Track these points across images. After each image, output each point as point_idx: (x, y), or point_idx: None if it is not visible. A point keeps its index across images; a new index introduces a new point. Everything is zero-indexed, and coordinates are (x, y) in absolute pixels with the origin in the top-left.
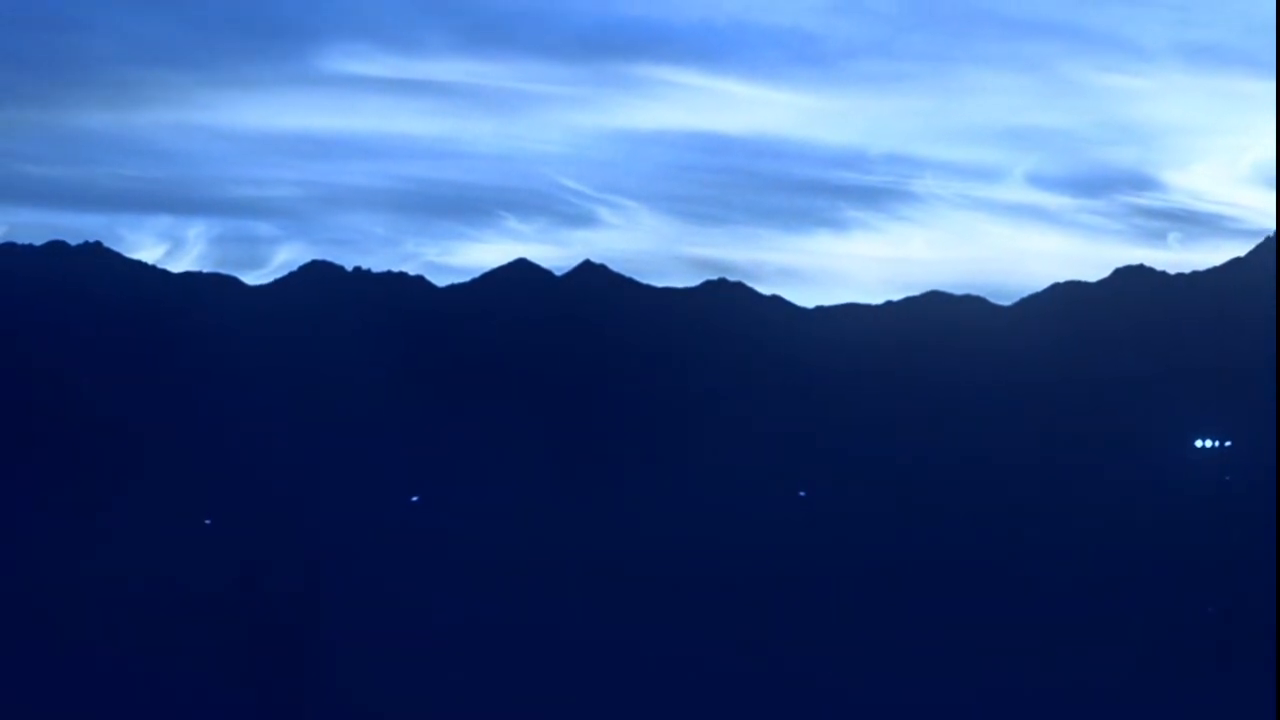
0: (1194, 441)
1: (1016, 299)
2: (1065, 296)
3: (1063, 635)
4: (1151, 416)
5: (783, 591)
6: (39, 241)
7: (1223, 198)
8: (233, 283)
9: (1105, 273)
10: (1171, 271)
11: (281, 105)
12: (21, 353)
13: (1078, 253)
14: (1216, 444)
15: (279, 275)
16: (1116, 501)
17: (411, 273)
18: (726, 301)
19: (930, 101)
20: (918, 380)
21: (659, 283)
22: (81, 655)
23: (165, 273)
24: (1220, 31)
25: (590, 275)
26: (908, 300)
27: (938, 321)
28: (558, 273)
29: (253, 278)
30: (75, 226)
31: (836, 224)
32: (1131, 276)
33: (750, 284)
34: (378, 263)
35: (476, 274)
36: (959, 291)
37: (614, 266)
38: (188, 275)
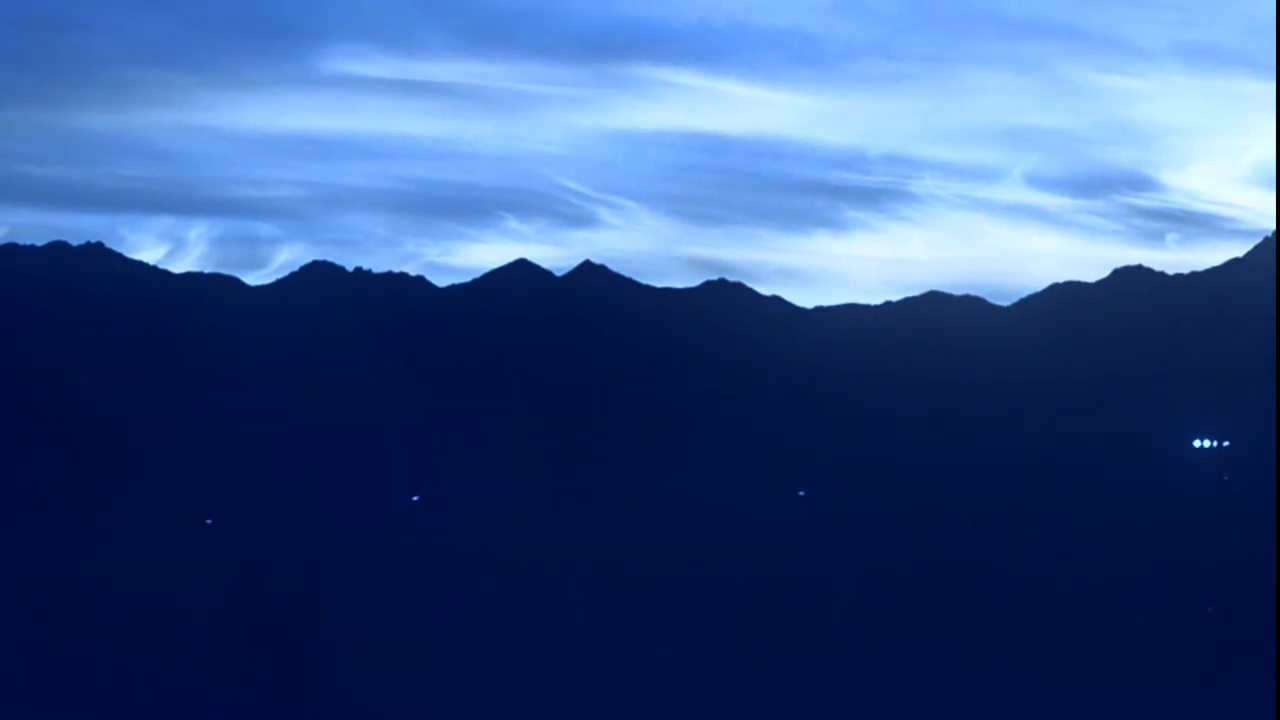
0: (1192, 441)
1: (1015, 299)
2: (1064, 297)
3: (1062, 635)
4: (1150, 416)
5: (782, 591)
6: (40, 242)
7: (1221, 198)
8: (234, 283)
9: (1104, 273)
10: (1170, 272)
11: (282, 106)
12: (23, 353)
13: (1076, 253)
14: (1215, 444)
15: (280, 276)
16: (1115, 501)
17: (412, 273)
18: (726, 302)
19: (929, 102)
20: (917, 380)
21: (659, 283)
22: (82, 655)
23: (167, 273)
24: (1219, 32)
25: (590, 275)
26: (907, 300)
27: (937, 322)
28: (558, 273)
29: (254, 278)
30: (76, 227)
31: (836, 224)
32: (1130, 277)
33: (750, 284)
34: (378, 263)
35: (477, 274)
36: (958, 292)
37: (614, 267)
38: (189, 275)
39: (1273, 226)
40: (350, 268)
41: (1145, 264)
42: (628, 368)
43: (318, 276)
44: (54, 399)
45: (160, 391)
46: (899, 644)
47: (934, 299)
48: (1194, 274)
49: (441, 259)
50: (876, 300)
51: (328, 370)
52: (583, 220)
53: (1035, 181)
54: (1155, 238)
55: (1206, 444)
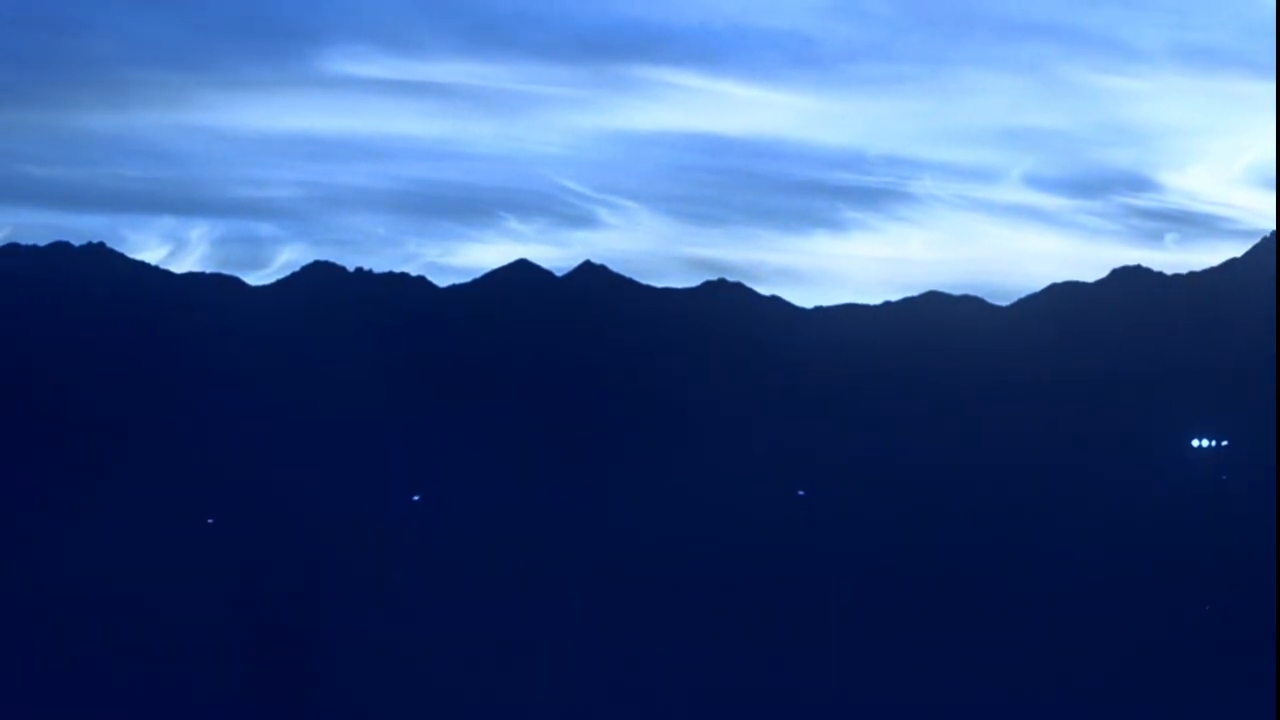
0: (1191, 441)
1: (1014, 299)
2: (1062, 297)
3: (1062, 634)
4: (1148, 416)
5: (782, 590)
6: (42, 242)
7: (1219, 199)
8: (235, 283)
9: (1102, 273)
10: (1168, 272)
11: (283, 107)
12: (25, 353)
13: (1075, 253)
14: (1213, 443)
15: (281, 276)
16: (1114, 500)
17: (413, 273)
18: (726, 302)
19: (928, 103)
20: (916, 380)
21: (658, 283)
22: (82, 655)
23: (168, 273)
24: (1217, 33)
25: (590, 276)
26: (906, 300)
27: (936, 321)
28: (558, 273)
29: (255, 278)
30: (78, 227)
31: (835, 225)
32: (1128, 277)
33: (749, 284)
34: (379, 263)
35: (477, 274)
36: (957, 292)
37: (614, 267)
38: (190, 276)
39: (1270, 227)
40: (351, 268)
41: (1144, 264)
42: (627, 367)
43: (319, 276)
44: (55, 398)
45: (161, 391)
46: (898, 643)
47: (933, 299)
48: (1192, 274)
49: (442, 259)
50: (876, 300)
51: (328, 370)
52: (583, 220)
53: (1034, 182)
54: (1154, 238)
55: (1205, 443)
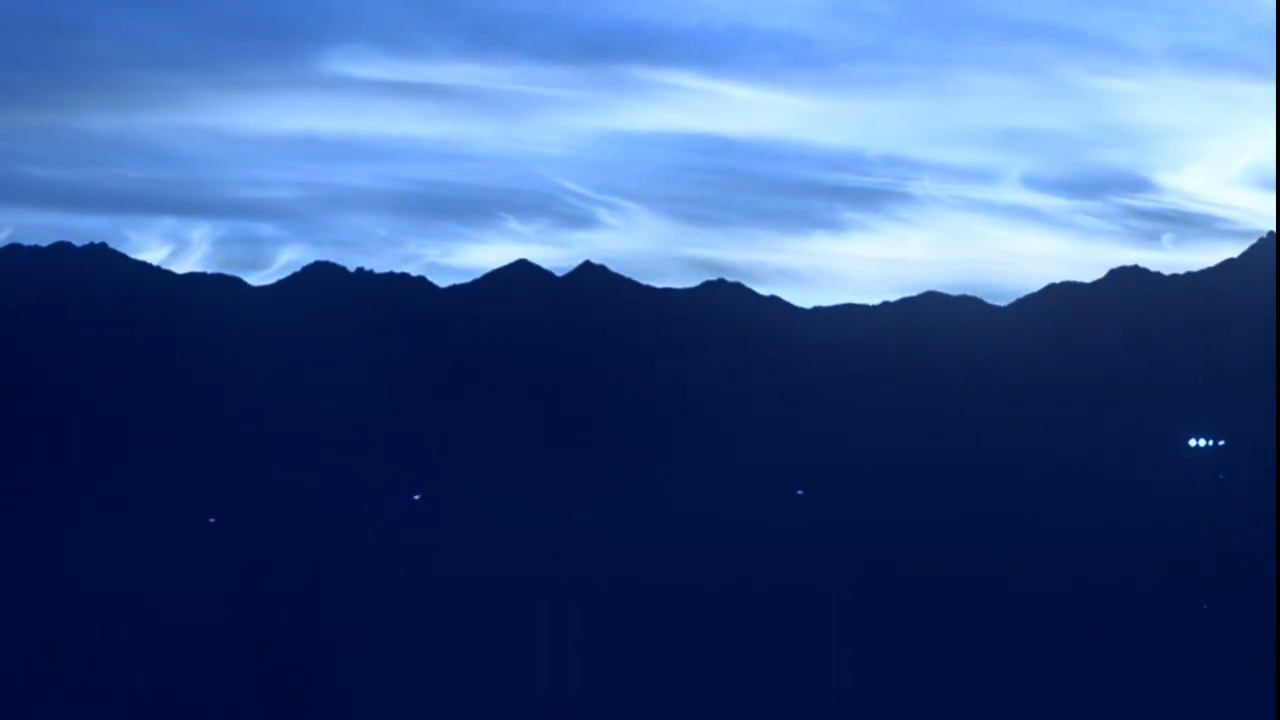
0: (1188, 440)
1: (1012, 299)
2: (1060, 297)
3: (1060, 633)
4: (1146, 415)
5: (782, 590)
6: (44, 243)
7: (1216, 199)
8: (236, 283)
9: (1100, 273)
10: (1166, 272)
11: (284, 107)
12: (27, 353)
13: (1073, 254)
14: (1211, 443)
15: (282, 276)
16: (1111, 500)
17: (413, 273)
18: (725, 302)
19: (926, 104)
20: (915, 379)
21: (658, 283)
22: (83, 655)
23: (170, 274)
24: (1214, 35)
25: (590, 276)
26: (904, 301)
27: (934, 322)
28: (558, 273)
29: (256, 278)
30: (80, 228)
31: (834, 225)
32: (1126, 277)
33: (749, 285)
34: (380, 263)
35: (478, 275)
36: (955, 292)
37: (614, 267)
38: (192, 276)
39: (1267, 227)
40: (352, 268)
41: (1141, 264)
42: (627, 367)
43: (319, 277)
44: (57, 398)
45: (163, 391)
46: (898, 643)
47: (931, 299)
48: (1189, 274)
49: (442, 259)
50: (874, 300)
51: (329, 370)
52: (583, 221)
53: (1032, 183)
54: (1151, 238)
55: (1202, 443)
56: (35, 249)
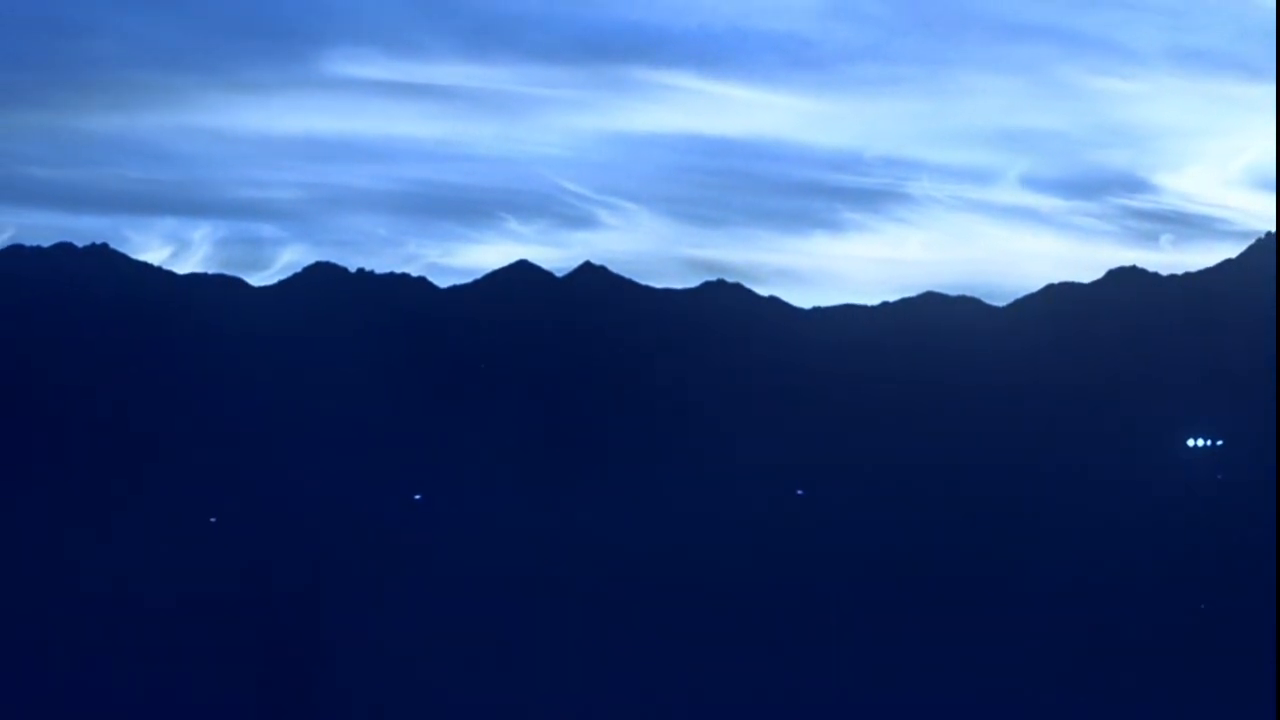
0: (1187, 441)
1: (1011, 299)
2: (1059, 297)
3: (1059, 633)
4: (1145, 416)
5: (781, 590)
6: (45, 243)
7: (1215, 200)
8: (237, 284)
9: (1098, 274)
10: (1164, 273)
11: (285, 108)
12: (28, 353)
13: (1071, 254)
14: (1209, 443)
15: (283, 276)
16: (1110, 499)
17: (414, 274)
18: (725, 302)
19: (925, 105)
20: (914, 379)
21: (658, 283)
22: (84, 655)
23: (171, 274)
24: (1212, 36)
25: (590, 276)
26: (904, 301)
27: (933, 321)
28: (558, 274)
29: (257, 279)
30: (81, 228)
31: (833, 225)
32: (1124, 278)
33: (748, 285)
34: (380, 264)
35: (478, 275)
36: (954, 292)
37: (614, 268)
38: (193, 276)
39: (1266, 228)
40: (352, 268)
41: (1139, 265)
42: (627, 367)
43: (320, 277)
44: (58, 398)
45: (163, 391)
46: (897, 643)
47: (930, 299)
48: (1188, 275)
49: (443, 260)
50: (874, 300)
51: (330, 370)
52: (583, 221)
53: (1030, 183)
54: (1149, 239)
55: (1201, 443)
56: (36, 249)
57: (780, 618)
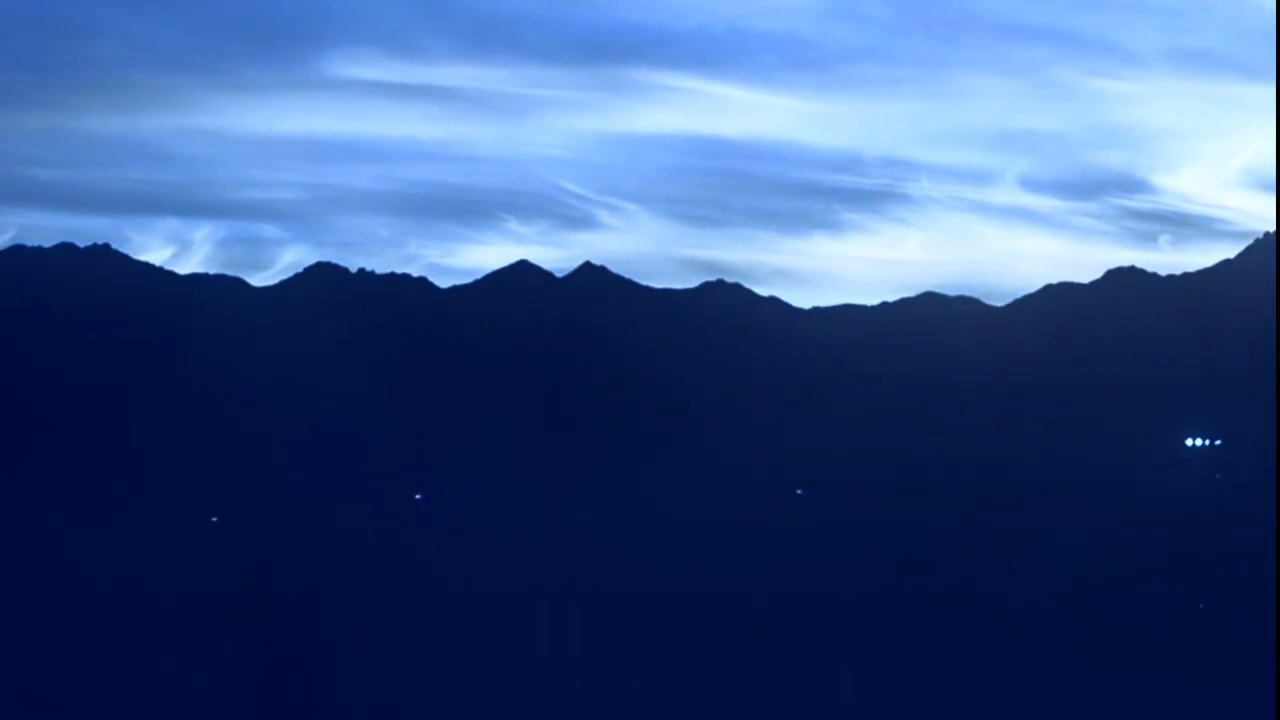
0: (1185, 440)
1: (1010, 300)
2: (1058, 297)
3: (1058, 632)
4: (1143, 415)
5: (781, 588)
6: (48, 243)
7: (1213, 200)
8: (239, 284)
9: (1097, 274)
10: (1162, 273)
11: (286, 109)
12: (30, 352)
13: (1070, 254)
14: (1207, 443)
15: (284, 277)
16: (1109, 499)
17: (414, 274)
18: (724, 302)
19: (924, 106)
20: (913, 379)
21: (658, 284)
22: (86, 654)
23: (172, 274)
24: (1210, 37)
25: (590, 276)
26: (903, 301)
27: (932, 322)
28: (558, 274)
29: (258, 279)
30: (83, 229)
31: (832, 226)
32: (1123, 278)
33: (748, 285)
34: (381, 264)
35: (478, 275)
36: (953, 292)
37: (614, 268)
38: (194, 276)
39: (1264, 228)
40: (353, 269)
41: (1138, 265)
42: (627, 367)
43: (321, 277)
44: (60, 398)
45: (165, 390)
46: (897, 642)
47: (929, 299)
48: (1186, 275)
49: (443, 260)
50: (873, 300)
51: (331, 369)
52: (583, 222)
53: (1029, 184)
54: (1147, 239)
55: (1199, 442)
56: (39, 250)
57: (780, 617)
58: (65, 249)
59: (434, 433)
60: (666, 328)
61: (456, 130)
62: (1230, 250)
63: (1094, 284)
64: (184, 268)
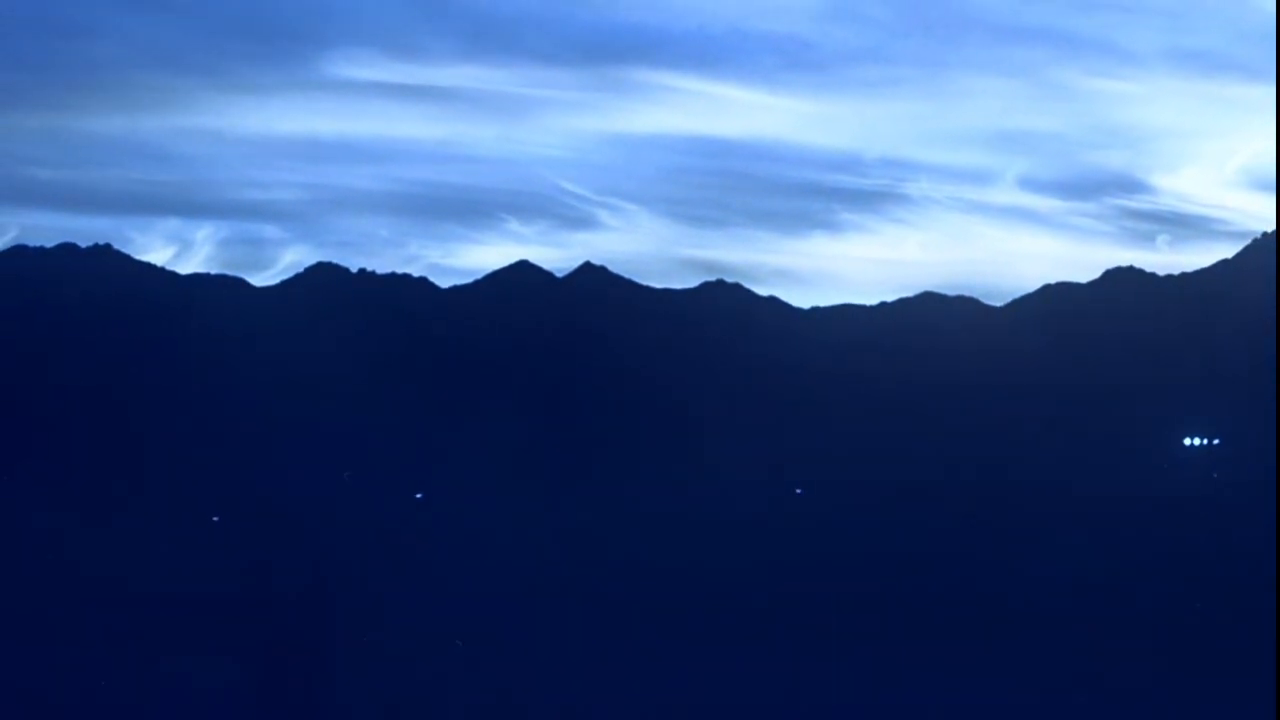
0: (1183, 439)
1: (1009, 299)
2: (1056, 297)
3: (1056, 632)
4: (1141, 415)
5: (780, 588)
6: (49, 244)
7: (1211, 200)
8: (240, 284)
9: (1095, 274)
10: (1161, 273)
11: (287, 110)
12: (32, 352)
13: (1068, 254)
14: (1205, 442)
15: (285, 277)
16: (1107, 498)
17: (415, 274)
18: (724, 302)
19: (923, 106)
20: (912, 379)
21: (658, 284)
22: (87, 654)
23: (173, 274)
24: (1209, 38)
25: (590, 276)
26: (902, 301)
27: (931, 321)
28: (558, 274)
29: (259, 279)
30: (85, 229)
31: (832, 226)
32: (1121, 278)
33: (747, 285)
34: (382, 264)
35: (479, 275)
36: (952, 292)
37: (614, 268)
38: (196, 276)
39: (1262, 228)
40: (354, 269)
41: (1136, 265)
42: (627, 366)
43: (322, 277)
44: (62, 398)
45: (166, 390)
46: (896, 641)
47: (928, 299)
48: (1184, 275)
49: (444, 260)
50: (872, 300)
51: (332, 369)
52: (583, 222)
53: (1028, 184)
54: (1146, 239)
55: (1197, 442)
56: (40, 250)
57: (779, 616)
58: (67, 249)
59: (434, 432)
60: (666, 328)
61: (457, 130)
62: (1228, 250)
63: (1093, 284)
64: (185, 268)
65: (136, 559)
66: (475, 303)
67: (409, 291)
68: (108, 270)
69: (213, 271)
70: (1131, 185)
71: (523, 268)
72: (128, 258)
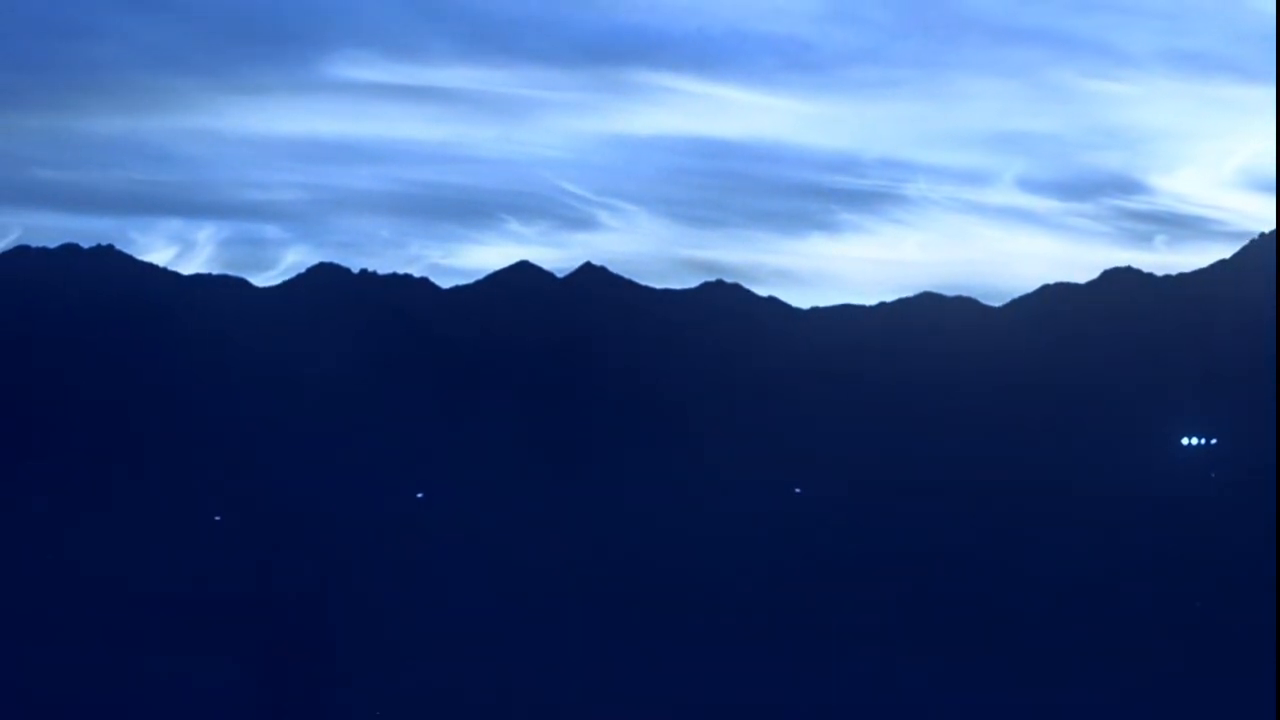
0: (1181, 439)
1: (1007, 300)
2: (1054, 297)
3: (1055, 631)
4: (1139, 414)
5: (780, 587)
6: (52, 244)
7: (1208, 201)
8: (241, 284)
9: (1093, 274)
10: (1158, 273)
11: (288, 111)
12: (34, 352)
13: (1066, 255)
14: (1203, 442)
15: (287, 277)
16: (1105, 498)
17: (416, 274)
18: (724, 303)
19: (922, 107)
20: (910, 379)
21: (658, 284)
22: (88, 654)
23: (175, 274)
24: (1206, 39)
25: (590, 277)
26: (901, 301)
27: (930, 321)
28: (559, 274)
29: (261, 279)
30: (87, 229)
31: (831, 226)
32: (1119, 278)
33: (747, 285)
34: (383, 264)
35: (479, 275)
36: (950, 292)
37: (614, 268)
38: (197, 277)
39: (1259, 228)
40: (355, 269)
41: (1134, 265)
42: (627, 366)
43: (323, 278)
44: (64, 398)
45: (168, 390)
46: (896, 641)
47: (927, 299)
48: (1182, 275)
49: (444, 261)
50: (871, 301)
51: (333, 369)
52: (583, 223)
53: (1026, 184)
54: (1143, 239)
55: (1195, 441)
56: (43, 250)
57: (779, 616)
58: (69, 249)
59: (435, 432)
60: (666, 328)
61: (457, 131)
62: (1226, 251)
63: (1090, 284)
64: (187, 268)
65: (137, 559)
66: (476, 303)
67: (410, 292)
68: (110, 270)
69: (214, 272)
70: (1129, 186)
71: (523, 268)
72: (130, 258)
